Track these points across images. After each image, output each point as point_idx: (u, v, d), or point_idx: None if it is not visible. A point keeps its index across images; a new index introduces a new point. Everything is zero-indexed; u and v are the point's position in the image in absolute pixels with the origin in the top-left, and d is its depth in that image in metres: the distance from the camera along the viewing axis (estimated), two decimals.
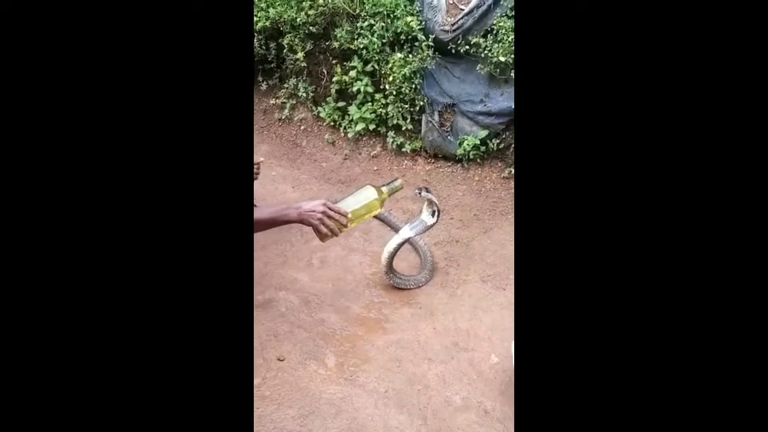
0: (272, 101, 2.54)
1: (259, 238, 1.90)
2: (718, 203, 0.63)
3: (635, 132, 0.66)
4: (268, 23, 2.28)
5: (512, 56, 1.87)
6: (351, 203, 1.43)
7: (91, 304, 0.64)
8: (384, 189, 1.47)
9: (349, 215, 1.39)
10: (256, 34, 2.37)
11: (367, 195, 1.44)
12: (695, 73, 0.64)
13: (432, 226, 1.65)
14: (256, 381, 1.43)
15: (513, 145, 2.03)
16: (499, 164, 2.12)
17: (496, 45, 1.92)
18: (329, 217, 1.36)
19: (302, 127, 2.48)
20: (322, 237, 1.40)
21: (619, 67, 0.66)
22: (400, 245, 1.65)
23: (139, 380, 0.65)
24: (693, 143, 0.64)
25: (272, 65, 2.51)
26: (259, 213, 1.40)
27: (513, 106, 1.99)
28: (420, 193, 1.61)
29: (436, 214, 1.64)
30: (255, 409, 1.35)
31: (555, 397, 0.67)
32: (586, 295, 0.66)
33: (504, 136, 2.08)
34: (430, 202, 1.63)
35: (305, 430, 1.32)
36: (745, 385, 0.62)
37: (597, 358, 0.65)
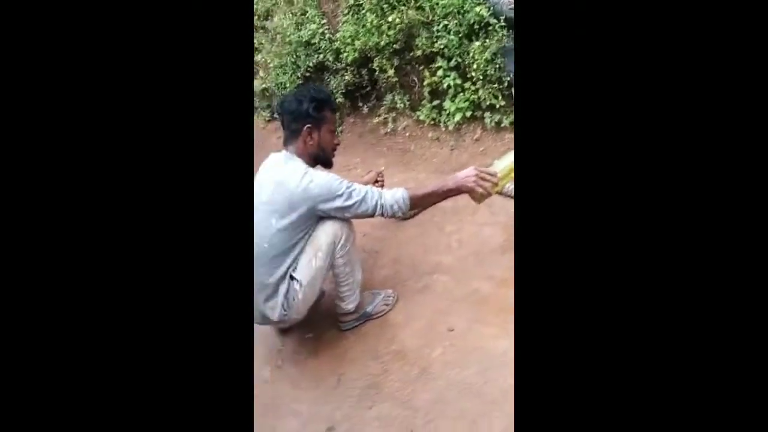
0: (375, 120, 2.85)
1: (396, 238, 2.18)
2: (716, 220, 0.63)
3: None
4: (357, 54, 2.59)
5: None
6: (498, 166, 1.64)
7: (88, 308, 0.65)
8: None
9: (498, 174, 1.59)
10: (347, 66, 2.70)
11: (509, 157, 1.64)
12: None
13: None
14: (437, 352, 1.69)
15: None
16: None
17: None
18: (482, 179, 1.56)
19: (407, 134, 2.75)
20: (478, 198, 1.60)
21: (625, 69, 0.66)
22: None
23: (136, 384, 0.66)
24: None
25: (367, 89, 2.82)
26: (419, 190, 1.65)
27: None
28: None
29: None
30: (442, 373, 1.60)
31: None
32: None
33: None
34: None
35: (488, 380, 1.53)
36: (745, 385, 0.61)
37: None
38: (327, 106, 1.68)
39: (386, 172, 2.46)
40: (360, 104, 2.89)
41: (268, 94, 3.20)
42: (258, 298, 1.66)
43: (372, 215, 1.63)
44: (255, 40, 3.22)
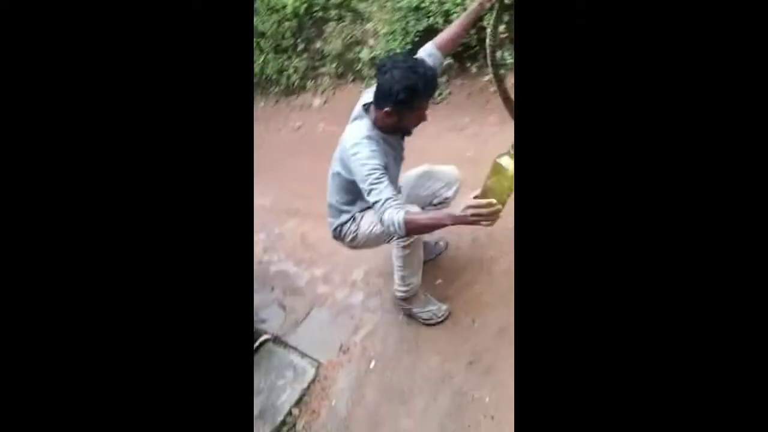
0: (484, 78, 2.86)
1: (455, 262, 2.11)
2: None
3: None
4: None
5: None
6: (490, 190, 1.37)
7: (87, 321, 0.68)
8: (505, 157, 1.34)
9: (494, 201, 1.34)
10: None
11: (496, 173, 1.35)
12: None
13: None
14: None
15: None
16: None
17: None
18: (478, 215, 1.36)
19: None
20: (489, 225, 1.41)
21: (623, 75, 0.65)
22: None
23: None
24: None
25: (476, 48, 2.82)
26: (415, 216, 1.49)
27: None
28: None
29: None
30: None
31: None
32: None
33: None
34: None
35: None
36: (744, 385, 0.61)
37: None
38: (416, 96, 1.52)
39: (498, 129, 2.48)
40: (468, 64, 2.91)
41: (377, 62, 3.32)
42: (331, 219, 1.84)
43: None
44: (365, 8, 3.34)
